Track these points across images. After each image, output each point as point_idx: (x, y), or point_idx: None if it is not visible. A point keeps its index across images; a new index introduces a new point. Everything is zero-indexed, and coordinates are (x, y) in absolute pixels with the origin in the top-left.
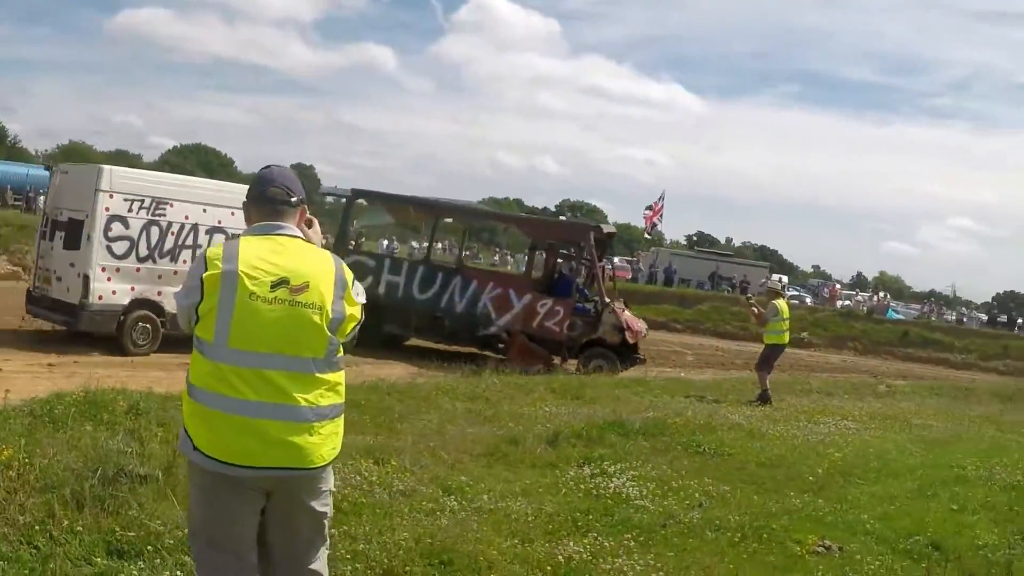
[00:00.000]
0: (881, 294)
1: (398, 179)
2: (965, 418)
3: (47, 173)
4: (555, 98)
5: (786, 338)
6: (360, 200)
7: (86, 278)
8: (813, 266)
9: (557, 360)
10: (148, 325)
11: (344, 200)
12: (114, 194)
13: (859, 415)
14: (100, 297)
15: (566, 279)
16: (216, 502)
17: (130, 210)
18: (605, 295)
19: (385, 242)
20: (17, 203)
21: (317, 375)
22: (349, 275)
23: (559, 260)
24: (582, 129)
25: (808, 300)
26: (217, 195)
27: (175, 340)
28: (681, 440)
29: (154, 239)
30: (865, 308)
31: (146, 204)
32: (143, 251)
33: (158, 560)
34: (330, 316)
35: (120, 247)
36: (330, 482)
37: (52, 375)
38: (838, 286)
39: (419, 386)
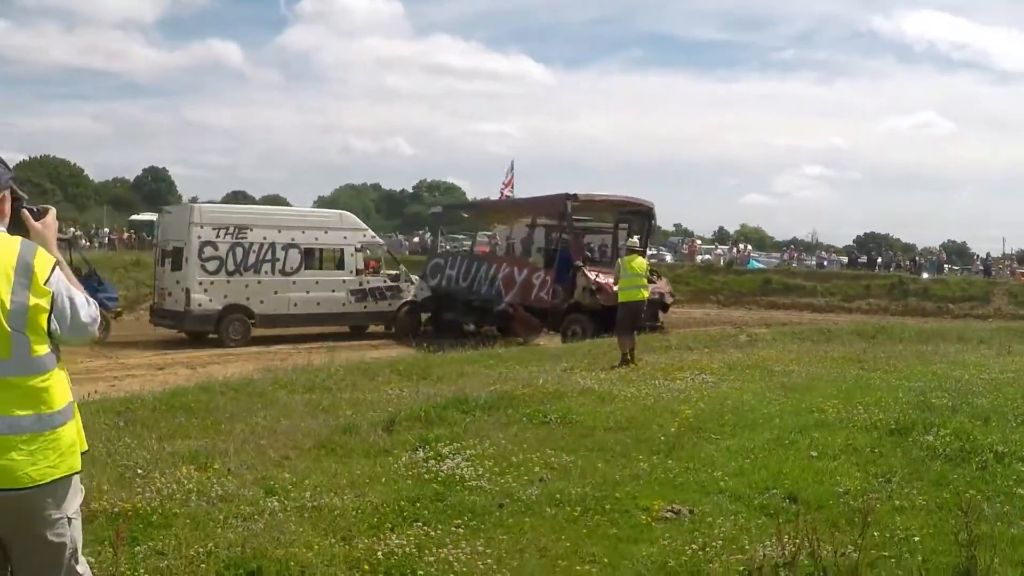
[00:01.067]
0: (742, 246)
1: (248, 175)
2: (827, 360)
3: None
4: (403, 79)
5: (642, 294)
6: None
7: (187, 291)
8: (675, 224)
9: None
10: (240, 324)
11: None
12: (204, 225)
13: (717, 367)
14: (199, 305)
15: (563, 252)
16: None
17: (218, 236)
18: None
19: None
20: None
21: (8, 379)
22: (41, 261)
23: (561, 234)
24: (433, 108)
25: (668, 258)
26: (288, 218)
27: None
28: (526, 411)
29: (239, 257)
30: (724, 261)
31: (230, 230)
32: (231, 267)
33: None
34: (8, 308)
35: (212, 265)
36: (67, 508)
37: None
38: (698, 241)
39: (255, 382)
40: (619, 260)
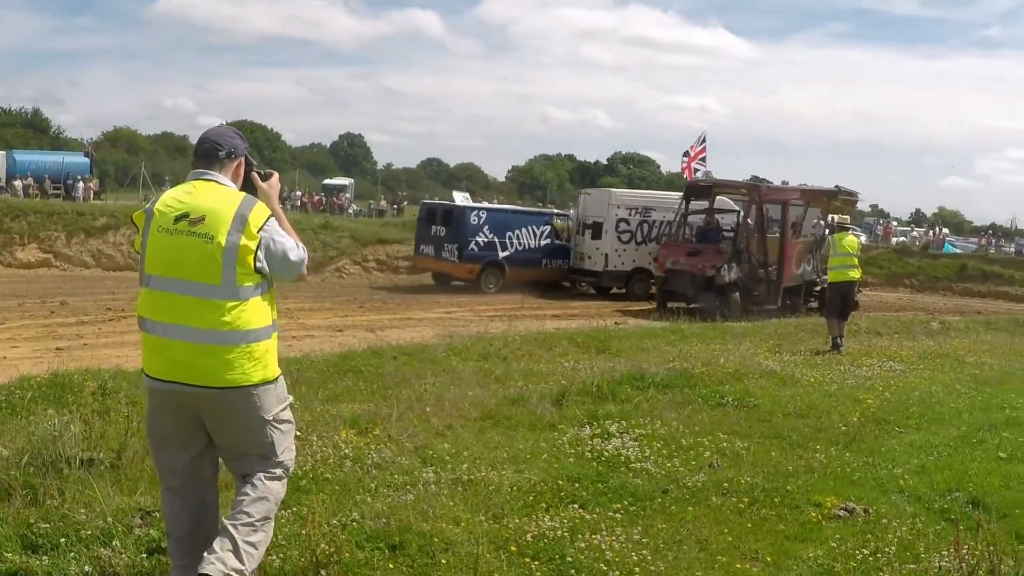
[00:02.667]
0: (938, 229)
1: (448, 143)
2: (1022, 354)
3: (85, 160)
4: (602, 50)
5: (852, 275)
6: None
7: (606, 256)
8: (871, 205)
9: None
10: (644, 282)
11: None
12: (620, 206)
13: (907, 355)
14: (614, 266)
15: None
16: (152, 418)
17: (629, 215)
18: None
19: None
20: (56, 191)
21: (214, 300)
22: (256, 213)
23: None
24: (631, 80)
25: (863, 238)
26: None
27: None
28: (703, 391)
29: (644, 231)
30: (920, 244)
31: (639, 210)
32: (639, 238)
33: (72, 554)
34: (223, 246)
35: (624, 237)
36: (269, 411)
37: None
38: (894, 223)
39: (429, 347)
40: (829, 237)
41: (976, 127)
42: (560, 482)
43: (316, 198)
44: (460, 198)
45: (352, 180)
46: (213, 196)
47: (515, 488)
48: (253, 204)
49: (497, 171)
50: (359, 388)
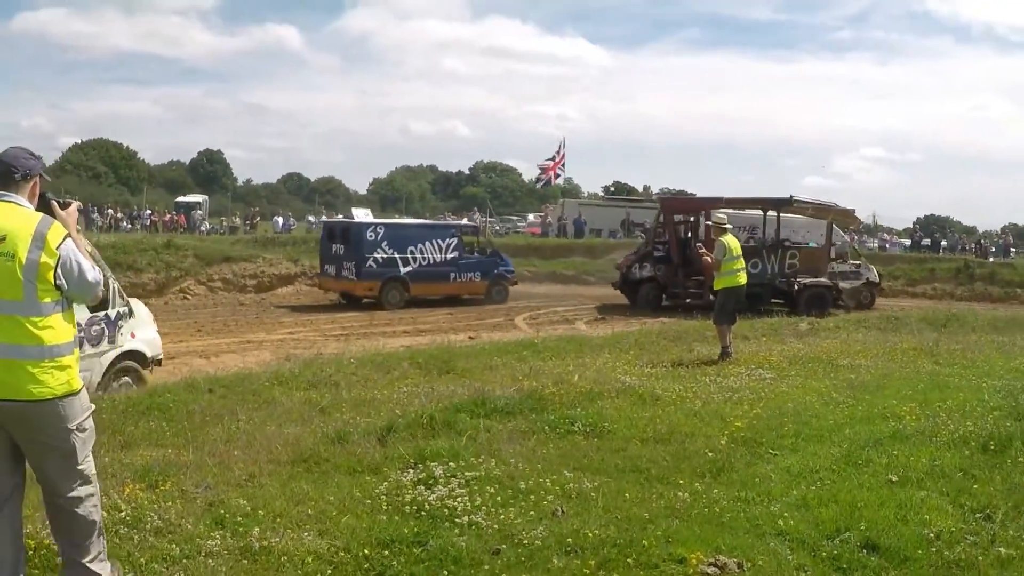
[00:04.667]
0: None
1: (310, 157)
2: (897, 352)
3: None
4: (461, 62)
5: (741, 279)
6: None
7: None
8: None
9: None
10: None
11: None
12: None
13: (776, 361)
14: None
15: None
16: None
17: None
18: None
19: None
20: None
21: (17, 316)
22: (55, 232)
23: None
24: (491, 91)
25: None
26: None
27: None
28: (551, 417)
29: None
30: None
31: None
32: None
33: None
34: (23, 263)
35: None
36: (72, 420)
37: None
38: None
39: (251, 377)
40: (720, 240)
41: (831, 127)
42: (367, 550)
43: (168, 216)
44: (361, 215)
45: (206, 197)
46: (12, 216)
47: (313, 558)
48: (51, 223)
49: (359, 184)
50: (161, 430)
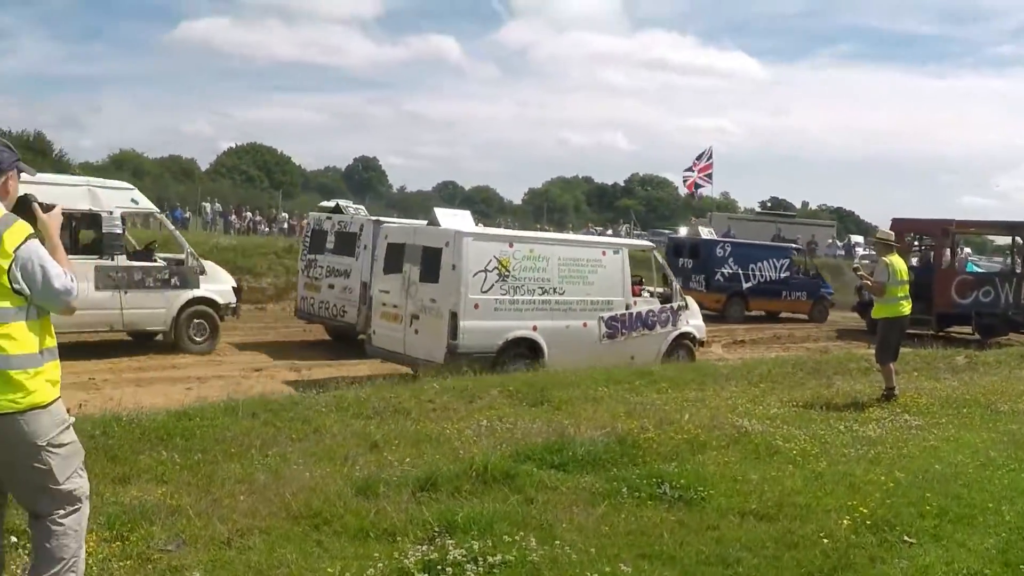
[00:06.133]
0: (960, 248)
1: (465, 166)
2: None
3: None
4: (620, 74)
5: (905, 308)
6: None
7: None
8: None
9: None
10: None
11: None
12: None
13: (927, 403)
14: None
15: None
16: None
17: None
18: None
19: None
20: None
21: None
22: (14, 233)
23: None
24: (648, 103)
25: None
26: None
27: None
28: (636, 473)
29: None
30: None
31: None
32: None
33: None
34: None
35: None
36: (41, 436)
37: None
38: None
39: (306, 401)
40: (885, 259)
41: (991, 144)
42: None
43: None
44: (705, 232)
45: (351, 202)
46: None
47: None
48: (11, 223)
49: (513, 194)
50: (171, 462)
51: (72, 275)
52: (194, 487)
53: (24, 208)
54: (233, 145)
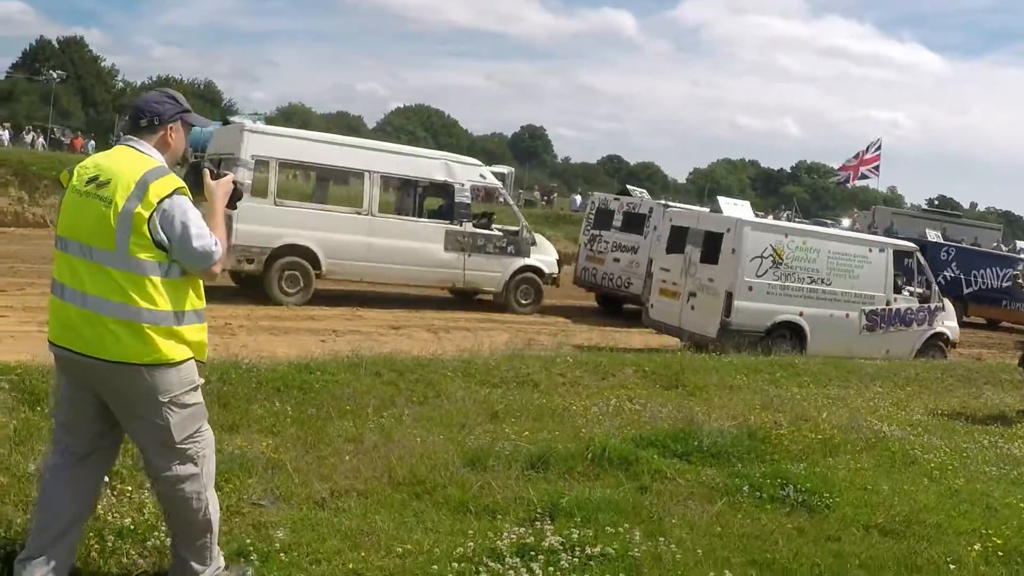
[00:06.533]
0: None
1: (633, 141)
2: None
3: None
4: (795, 59)
5: None
6: None
7: None
8: None
9: None
10: None
11: None
12: None
13: None
14: None
15: None
16: (57, 385)
17: None
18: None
19: None
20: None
21: (108, 268)
22: (163, 184)
23: None
24: (823, 91)
25: None
26: None
27: None
28: (762, 471)
29: None
30: None
31: None
32: None
33: None
34: (119, 210)
35: None
36: (164, 392)
37: None
38: None
39: (434, 363)
40: None
41: None
42: None
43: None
44: (932, 235)
45: (512, 169)
46: (125, 161)
47: None
48: (162, 175)
49: (678, 172)
50: (283, 414)
51: (218, 241)
52: (301, 442)
53: (195, 173)
54: (401, 105)
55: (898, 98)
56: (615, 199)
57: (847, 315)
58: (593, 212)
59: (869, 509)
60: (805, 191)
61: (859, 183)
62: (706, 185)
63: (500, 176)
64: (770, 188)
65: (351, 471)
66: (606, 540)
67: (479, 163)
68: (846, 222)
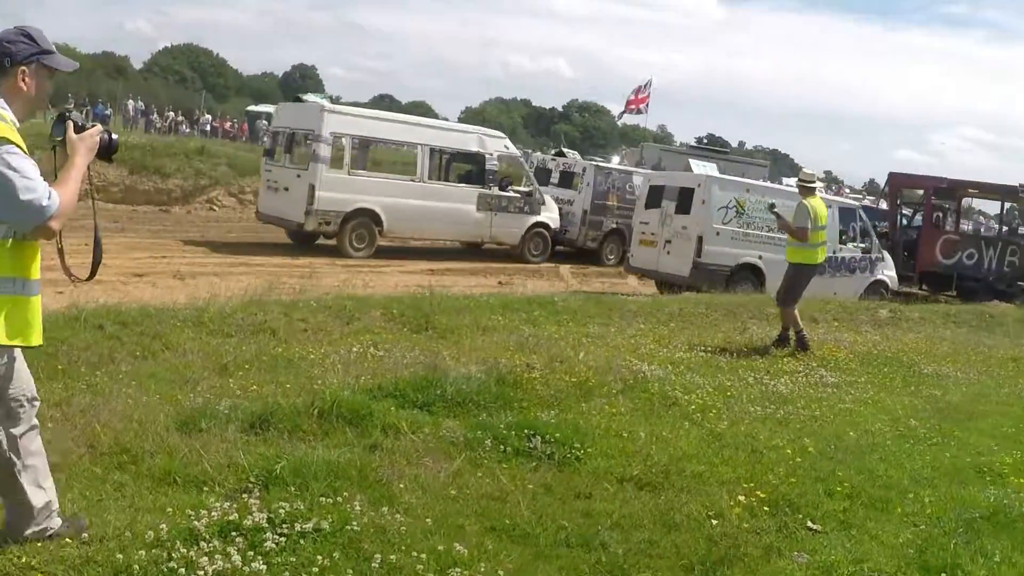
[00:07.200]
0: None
1: (406, 81)
2: (992, 362)
3: None
4: (568, 1)
5: (821, 255)
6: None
7: None
8: (825, 171)
9: None
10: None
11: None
12: None
13: (844, 358)
14: None
15: None
16: None
17: None
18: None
19: None
20: None
21: None
22: None
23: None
24: (597, 33)
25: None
26: None
27: None
28: (507, 420)
29: None
30: None
31: None
32: None
33: None
34: None
35: None
36: None
37: None
38: (846, 190)
39: (163, 313)
40: (805, 203)
41: (932, 103)
42: None
43: (228, 124)
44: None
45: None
46: None
47: None
48: None
49: (450, 111)
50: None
51: (54, 194)
52: None
53: (61, 123)
54: (169, 44)
55: (673, 40)
56: (552, 159)
57: None
58: (533, 171)
59: (624, 459)
60: (577, 130)
61: (629, 121)
62: (480, 124)
63: (268, 116)
64: (542, 127)
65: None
66: (322, 512)
67: (503, 135)
68: (616, 159)
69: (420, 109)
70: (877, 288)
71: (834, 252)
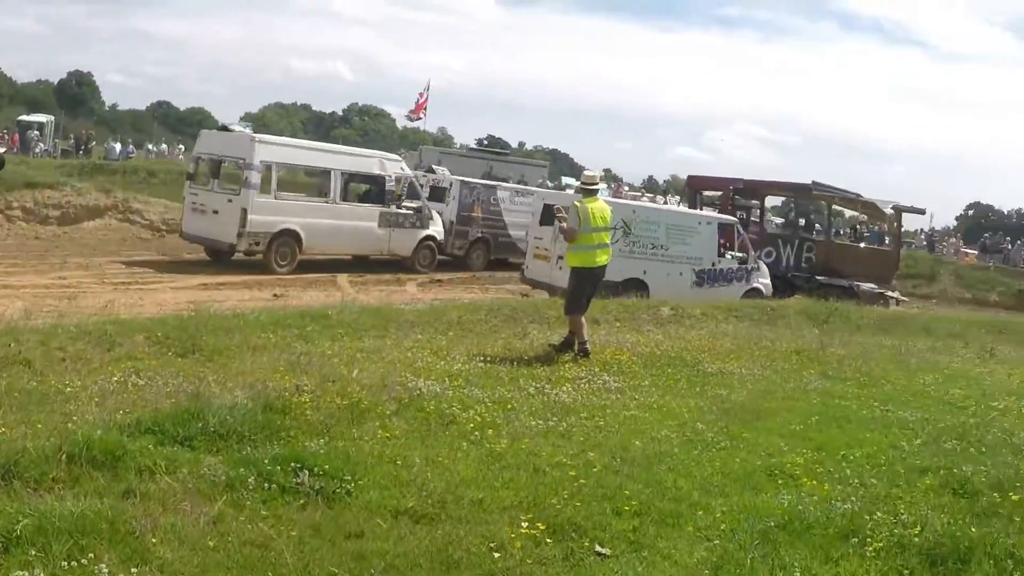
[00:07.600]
0: (671, 197)
1: (187, 88)
2: (776, 356)
3: None
4: (348, 3)
5: (600, 257)
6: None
7: None
8: (605, 169)
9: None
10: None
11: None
12: None
13: (628, 361)
14: None
15: None
16: None
17: None
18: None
19: None
20: None
21: None
22: None
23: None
24: (377, 35)
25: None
26: None
27: None
28: (274, 454)
29: None
30: None
31: None
32: None
33: None
34: None
35: None
36: None
37: None
38: (625, 188)
39: None
40: (577, 204)
41: (709, 101)
42: None
43: (1, 135)
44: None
45: (51, 118)
46: None
47: None
48: None
49: (230, 117)
50: None
51: None
52: None
53: None
54: None
55: (451, 43)
56: (424, 176)
57: (680, 273)
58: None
59: (399, 489)
60: (357, 133)
61: (409, 124)
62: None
63: (40, 125)
64: (322, 132)
65: None
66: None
67: (399, 158)
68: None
69: (198, 116)
70: (753, 295)
71: (713, 264)
